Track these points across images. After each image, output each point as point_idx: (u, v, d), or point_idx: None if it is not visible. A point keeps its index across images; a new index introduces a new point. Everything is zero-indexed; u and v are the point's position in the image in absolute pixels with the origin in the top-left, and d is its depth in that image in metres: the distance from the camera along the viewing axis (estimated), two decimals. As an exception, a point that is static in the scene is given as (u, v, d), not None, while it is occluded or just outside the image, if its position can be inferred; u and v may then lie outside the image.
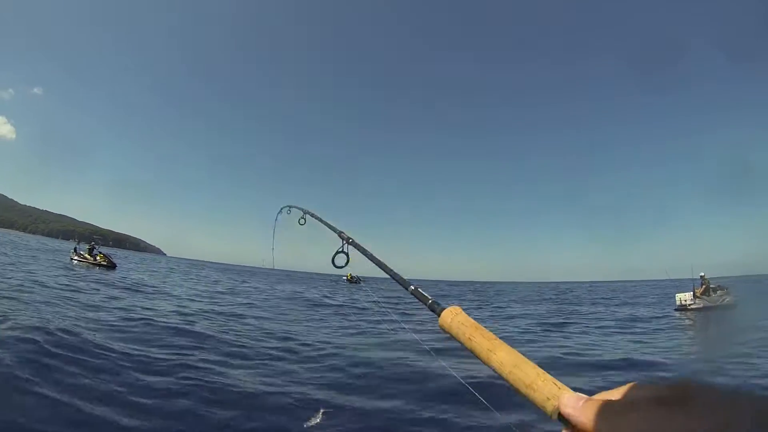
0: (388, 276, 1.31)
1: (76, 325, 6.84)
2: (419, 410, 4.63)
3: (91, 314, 8.15)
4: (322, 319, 12.28)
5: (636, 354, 8.07)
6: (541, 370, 0.70)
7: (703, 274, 18.54)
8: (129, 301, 11.07)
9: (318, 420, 4.04)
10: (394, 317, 1.90)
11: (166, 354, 5.91)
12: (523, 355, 0.76)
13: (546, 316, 16.10)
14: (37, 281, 12.00)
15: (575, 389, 0.60)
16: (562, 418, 0.56)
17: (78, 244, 31.36)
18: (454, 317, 0.91)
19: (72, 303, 9.20)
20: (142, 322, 7.99)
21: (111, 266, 25.12)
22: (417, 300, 1.12)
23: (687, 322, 14.81)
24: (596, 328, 12.32)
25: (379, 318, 13.17)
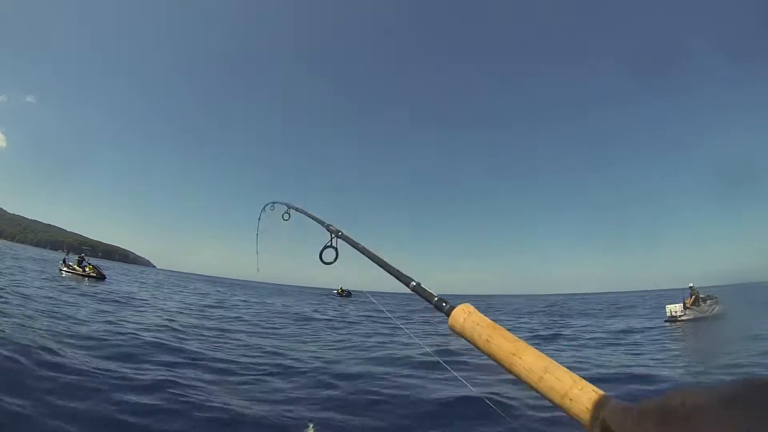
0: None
1: (60, 341, 6.66)
2: (420, 429, 4.54)
3: (76, 328, 7.96)
4: (312, 334, 12.13)
5: (629, 366, 8.06)
6: (576, 376, 0.62)
7: (692, 284, 18.68)
8: (118, 314, 10.84)
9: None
10: (400, 324, 1.82)
11: (154, 371, 5.77)
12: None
13: (536, 329, 16.10)
14: (21, 294, 11.70)
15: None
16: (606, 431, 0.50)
17: (67, 254, 30.92)
18: (467, 317, 0.80)
19: (59, 317, 8.95)
20: (130, 336, 7.81)
21: (100, 277, 25.27)
22: (420, 298, 1.01)
23: (677, 333, 14.86)
24: (589, 339, 12.32)
25: (371, 331, 13.11)
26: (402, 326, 1.82)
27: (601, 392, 0.58)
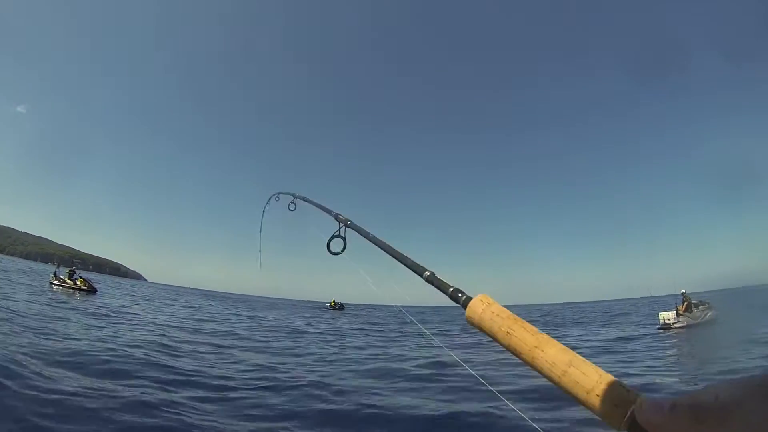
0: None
1: (48, 358, 6.48)
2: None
3: (65, 344, 7.74)
4: (305, 348, 11.99)
5: (625, 375, 8.04)
6: (602, 371, 0.59)
7: (683, 291, 18.69)
8: (108, 329, 10.62)
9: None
10: (422, 327, 1.70)
11: (146, 388, 5.61)
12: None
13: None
14: (9, 309, 11.40)
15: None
16: (635, 430, 0.48)
17: (57, 267, 30.55)
18: (486, 307, 0.76)
19: (47, 331, 8.69)
20: (121, 352, 7.62)
21: (91, 290, 25.29)
22: (435, 288, 0.97)
23: (671, 341, 14.89)
24: (585, 348, 12.29)
25: (364, 344, 13.00)
26: (443, 345, 1.72)
27: (629, 388, 0.55)
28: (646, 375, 8.04)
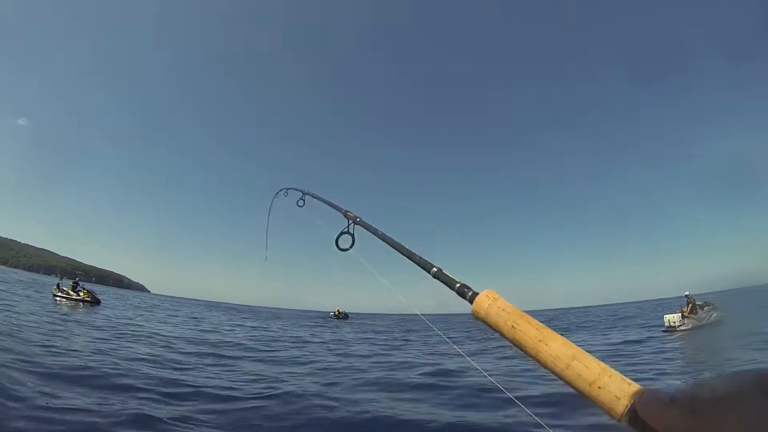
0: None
1: (51, 372, 6.43)
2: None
3: (68, 357, 7.69)
4: (310, 357, 11.95)
5: (632, 378, 7.98)
6: (604, 364, 0.61)
7: (687, 292, 18.57)
8: (111, 342, 10.60)
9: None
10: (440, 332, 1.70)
11: (151, 402, 5.57)
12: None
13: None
14: (11, 322, 11.29)
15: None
16: (635, 422, 0.49)
17: (61, 279, 30.61)
18: (491, 303, 0.77)
19: (50, 345, 8.57)
20: (125, 365, 7.58)
21: (95, 302, 25.51)
22: (442, 284, 0.98)
23: (677, 343, 14.79)
24: (591, 352, 12.20)
25: (369, 353, 12.97)
26: (469, 358, 1.70)
27: (631, 381, 0.57)
28: (653, 379, 7.97)
